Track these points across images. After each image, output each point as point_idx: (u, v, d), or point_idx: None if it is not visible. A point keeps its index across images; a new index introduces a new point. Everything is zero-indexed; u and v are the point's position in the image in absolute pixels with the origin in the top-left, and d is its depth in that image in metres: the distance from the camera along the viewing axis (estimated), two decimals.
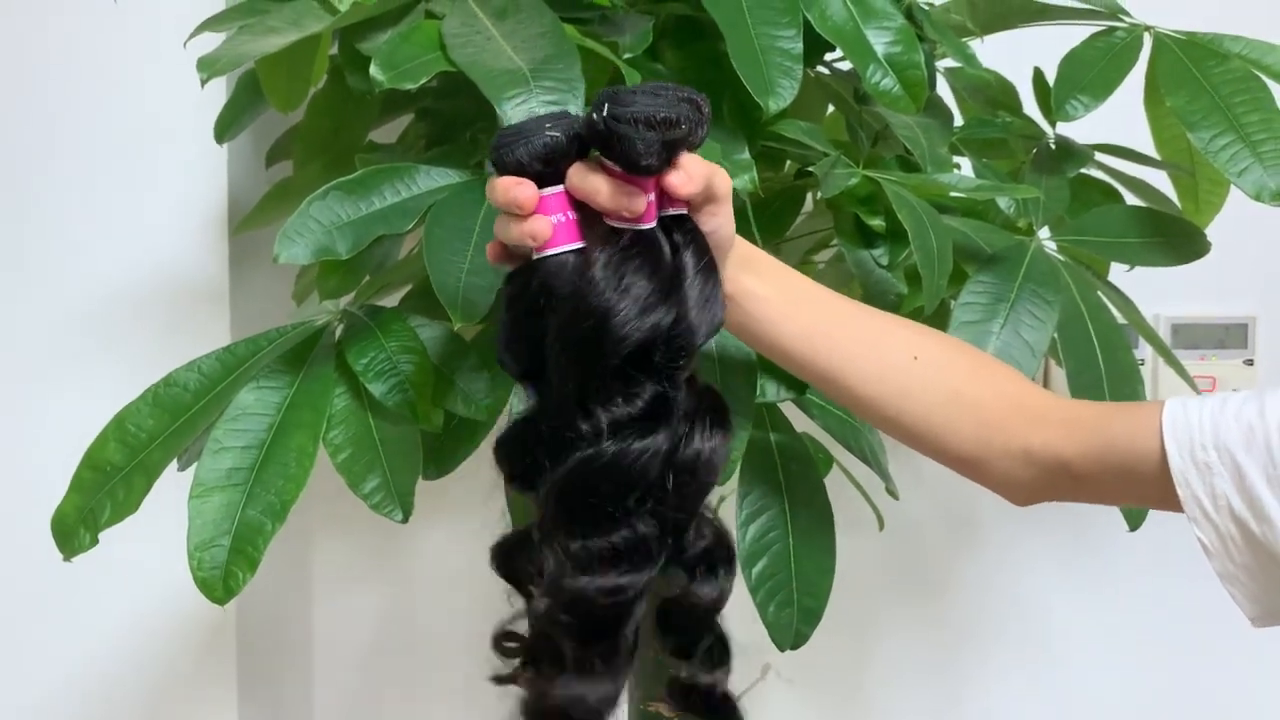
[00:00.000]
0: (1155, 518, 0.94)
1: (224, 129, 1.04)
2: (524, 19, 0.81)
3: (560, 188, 0.59)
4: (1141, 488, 0.68)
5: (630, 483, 0.57)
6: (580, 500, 0.58)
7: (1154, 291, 1.16)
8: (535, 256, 0.59)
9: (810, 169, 0.88)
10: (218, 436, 0.80)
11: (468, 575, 1.42)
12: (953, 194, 0.90)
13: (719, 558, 0.62)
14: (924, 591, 1.46)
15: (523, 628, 0.63)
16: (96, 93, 1.20)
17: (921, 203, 0.84)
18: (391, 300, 0.93)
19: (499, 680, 0.63)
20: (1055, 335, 0.87)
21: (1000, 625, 1.46)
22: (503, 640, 0.64)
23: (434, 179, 0.81)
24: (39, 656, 1.23)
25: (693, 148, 0.59)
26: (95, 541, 0.82)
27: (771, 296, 0.69)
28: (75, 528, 0.82)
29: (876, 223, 0.89)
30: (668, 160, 0.57)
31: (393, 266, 0.96)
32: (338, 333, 0.86)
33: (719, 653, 0.63)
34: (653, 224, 0.59)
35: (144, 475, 0.82)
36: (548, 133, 0.58)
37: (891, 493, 1.00)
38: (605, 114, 0.56)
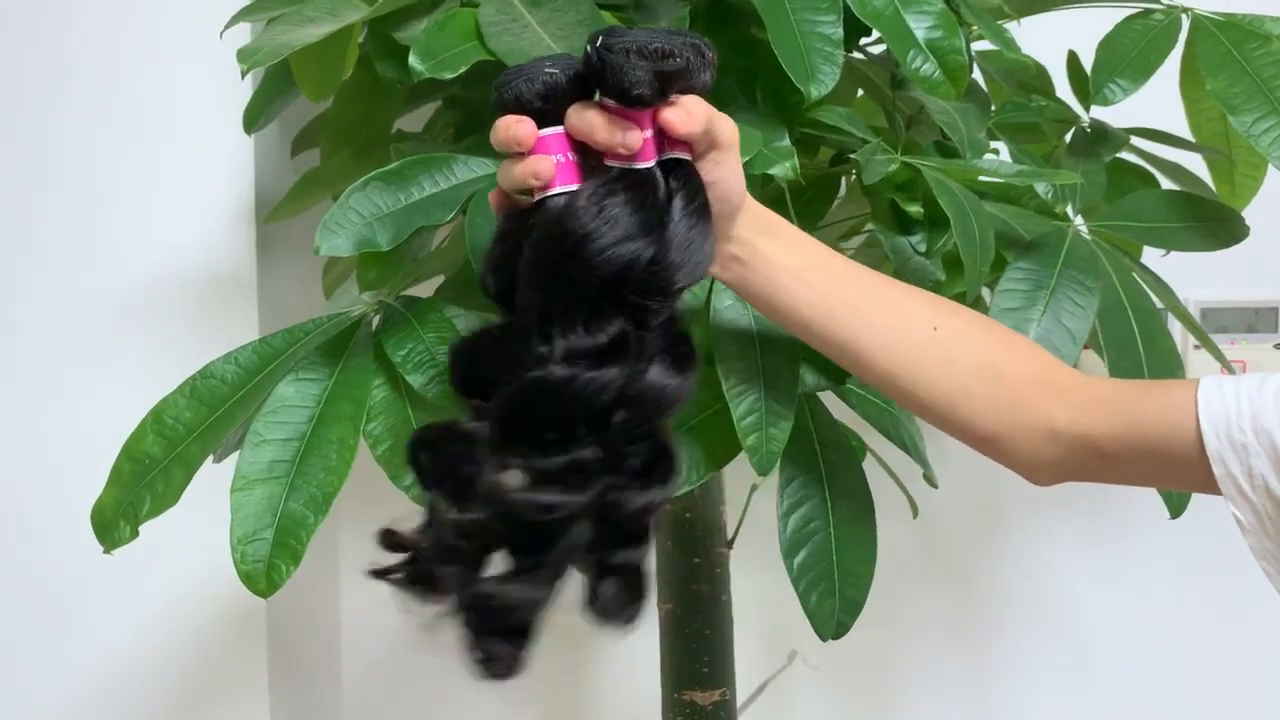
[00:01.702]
0: (1188, 506, 0.94)
1: (253, 119, 1.04)
2: (560, 6, 0.81)
3: (560, 128, 0.58)
4: (1171, 467, 0.68)
5: (573, 411, 0.57)
6: (523, 421, 0.57)
7: (1182, 275, 1.15)
8: (535, 198, 0.59)
9: (849, 155, 0.87)
10: (258, 429, 0.79)
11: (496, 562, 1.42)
12: (991, 179, 0.89)
13: (656, 473, 0.60)
14: (952, 578, 1.45)
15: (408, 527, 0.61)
16: (125, 83, 1.19)
17: (962, 189, 0.84)
18: (421, 290, 0.93)
19: (376, 573, 0.61)
20: (1096, 322, 0.87)
21: (1028, 613, 1.46)
22: (390, 538, 0.62)
23: (472, 169, 0.80)
24: (74, 644, 1.24)
25: (695, 91, 0.58)
26: (136, 534, 0.82)
27: (789, 263, 0.68)
28: (115, 520, 0.82)
29: (914, 209, 0.88)
30: (662, 93, 0.57)
31: (426, 257, 0.96)
32: (375, 324, 0.86)
33: (640, 544, 0.61)
34: (650, 163, 0.59)
35: (183, 468, 0.82)
36: (546, 70, 0.58)
37: (930, 480, 1.00)
38: (599, 45, 0.56)
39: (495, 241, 0.61)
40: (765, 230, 0.67)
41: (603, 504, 0.59)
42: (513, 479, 0.58)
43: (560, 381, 0.56)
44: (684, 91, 0.58)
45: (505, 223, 0.61)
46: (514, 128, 0.58)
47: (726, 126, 0.61)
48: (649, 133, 0.58)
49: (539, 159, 0.58)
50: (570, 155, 0.59)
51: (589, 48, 0.56)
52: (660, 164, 0.59)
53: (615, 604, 0.60)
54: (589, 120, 0.57)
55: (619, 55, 0.55)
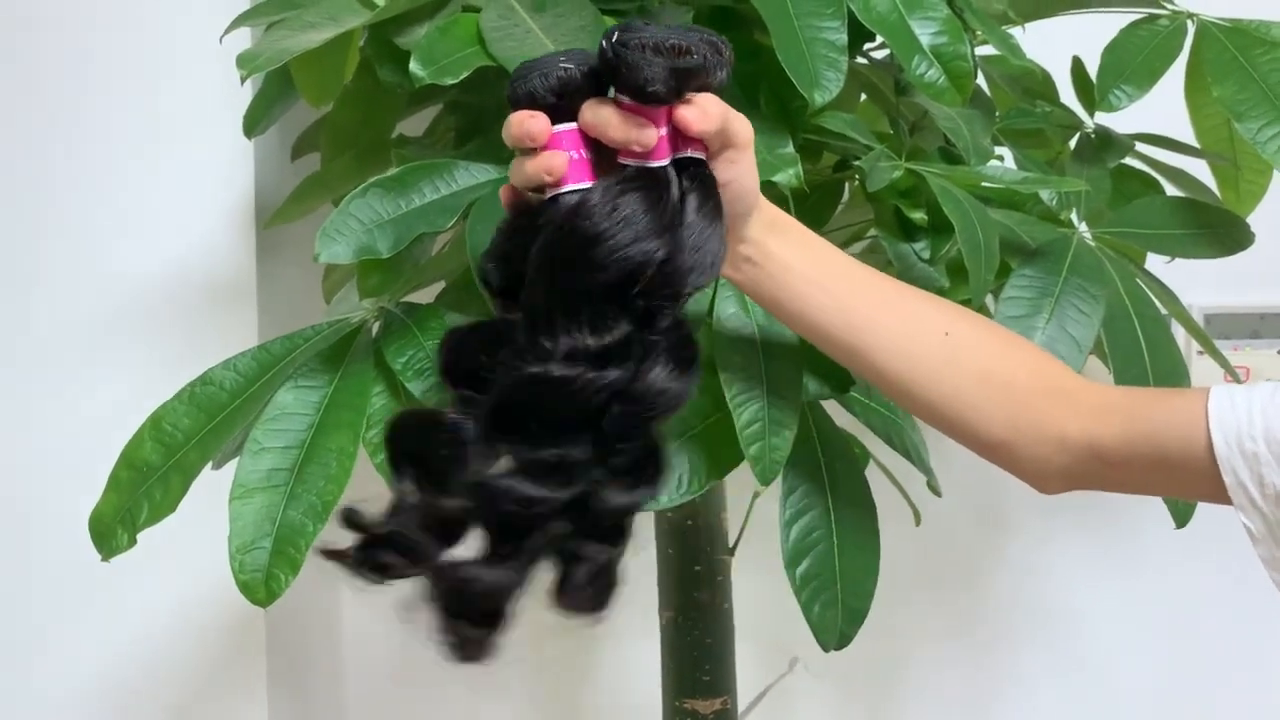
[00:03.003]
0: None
1: (253, 123, 1.03)
2: (563, 12, 0.80)
3: (573, 125, 0.57)
4: (1181, 476, 0.67)
5: (568, 409, 0.56)
6: (515, 413, 0.56)
7: (1187, 281, 1.14)
8: (547, 195, 0.58)
9: (853, 162, 0.87)
10: (257, 437, 0.79)
11: None
12: (995, 185, 0.88)
13: (643, 474, 0.59)
14: (956, 586, 1.45)
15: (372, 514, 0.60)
16: (124, 87, 1.19)
17: (967, 195, 0.83)
18: (421, 296, 0.92)
19: (327, 553, 0.60)
20: (1101, 330, 0.86)
21: (1032, 622, 1.45)
22: (350, 517, 0.60)
23: (473, 175, 0.80)
24: (72, 653, 1.23)
25: (711, 89, 0.57)
26: (134, 542, 0.81)
27: (801, 265, 0.67)
28: (113, 528, 0.81)
29: (918, 216, 0.88)
30: (677, 90, 0.56)
31: (427, 263, 0.95)
32: (374, 330, 0.85)
33: (617, 540, 0.60)
34: (664, 161, 0.58)
35: (181, 475, 0.81)
36: (561, 65, 0.57)
37: (934, 489, 0.99)
38: (614, 40, 0.55)
39: (503, 235, 0.60)
40: (777, 231, 0.66)
41: (585, 497, 0.58)
42: (496, 467, 0.57)
43: (558, 380, 0.56)
44: (700, 89, 0.57)
45: (515, 218, 0.60)
46: (527, 123, 0.57)
47: (742, 126, 0.60)
48: (664, 130, 0.57)
49: (552, 155, 0.57)
50: (583, 152, 0.58)
51: (604, 43, 0.55)
52: (674, 162, 0.58)
53: (583, 596, 0.60)
54: (603, 117, 0.56)
55: (635, 51, 0.54)
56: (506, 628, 0.58)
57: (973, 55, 0.86)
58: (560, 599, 0.60)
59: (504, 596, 0.58)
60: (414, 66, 0.74)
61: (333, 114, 1.02)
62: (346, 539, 0.60)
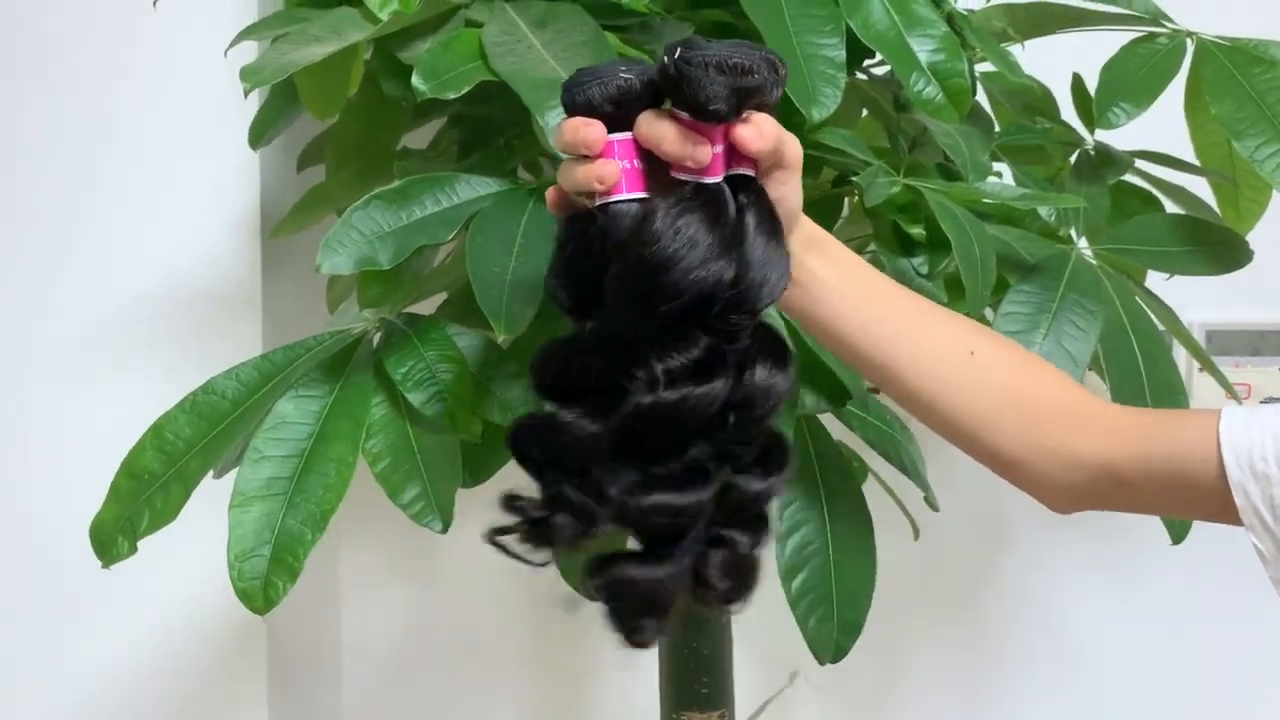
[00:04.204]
0: (1192, 530, 0.93)
1: (258, 135, 1.04)
2: (564, 27, 0.81)
3: (628, 134, 0.57)
4: (1191, 496, 0.67)
5: (688, 427, 0.57)
6: (640, 441, 0.58)
7: (1187, 298, 1.15)
8: (596, 203, 0.58)
9: (852, 177, 0.87)
10: (257, 445, 0.80)
11: (495, 577, 1.42)
12: (994, 202, 0.89)
13: (771, 465, 0.61)
14: (954, 599, 1.45)
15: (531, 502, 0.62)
16: (130, 98, 1.20)
17: (964, 211, 0.84)
18: (422, 307, 0.93)
19: (495, 531, 0.61)
20: (1098, 346, 0.86)
21: (1030, 635, 1.45)
22: (511, 501, 0.62)
23: (474, 188, 0.80)
24: (73, 660, 1.24)
25: (766, 108, 0.58)
26: (134, 549, 0.82)
27: (838, 283, 0.68)
28: (114, 536, 0.82)
29: (916, 231, 0.89)
30: (737, 109, 0.56)
31: (428, 274, 0.96)
32: (375, 341, 0.86)
33: (759, 528, 0.62)
34: (718, 179, 0.58)
35: (182, 484, 0.82)
36: (621, 75, 0.57)
37: (931, 504, 1.00)
38: (677, 57, 0.55)
39: (557, 251, 0.61)
40: (817, 248, 0.67)
41: (722, 490, 0.59)
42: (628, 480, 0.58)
43: (672, 404, 0.57)
44: (757, 108, 0.58)
45: (565, 229, 0.61)
46: (583, 130, 0.57)
47: (794, 147, 0.61)
48: (719, 148, 0.57)
49: (605, 163, 0.57)
50: (636, 162, 0.58)
51: (666, 58, 0.55)
52: (726, 179, 0.58)
53: (728, 587, 0.61)
54: (660, 131, 0.56)
55: (698, 69, 0.54)
56: (674, 611, 0.60)
57: (971, 72, 0.87)
58: (705, 592, 0.61)
59: (665, 591, 0.59)
60: (416, 81, 0.75)
61: (338, 126, 1.03)
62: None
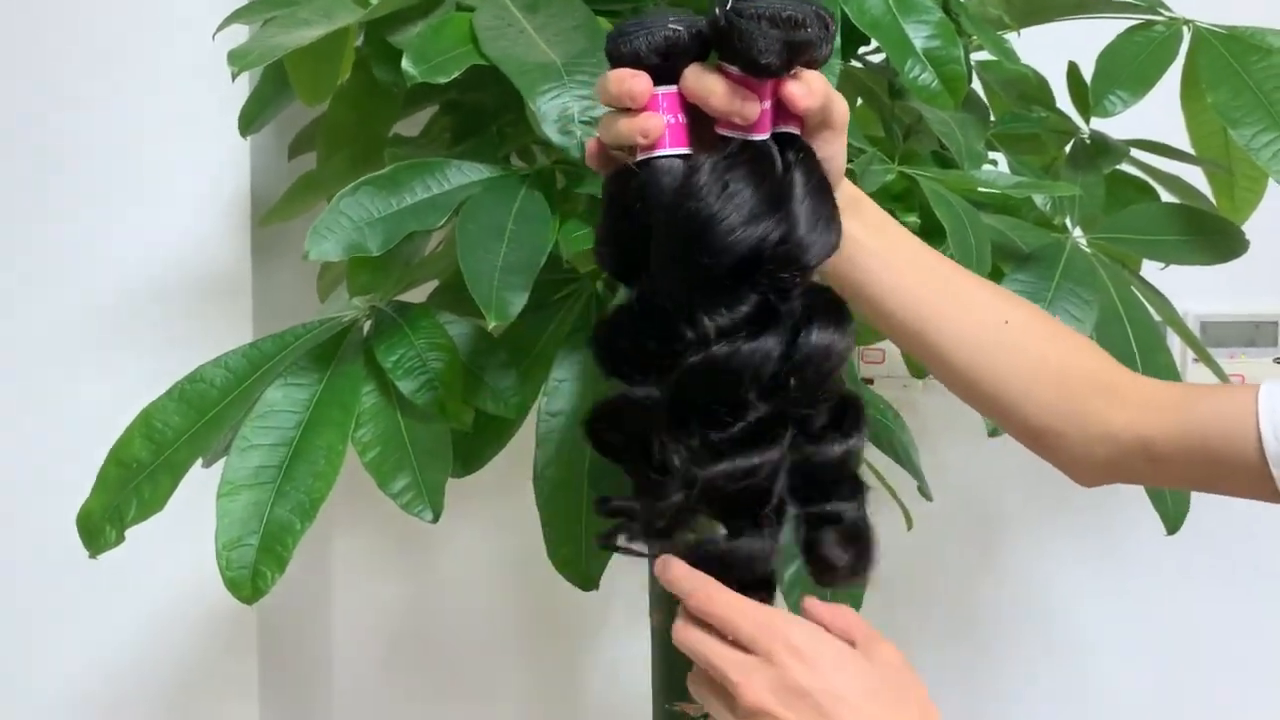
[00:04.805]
0: (1186, 524, 0.93)
1: (249, 121, 1.03)
2: (556, 12, 0.80)
3: (673, 88, 0.56)
4: (1226, 471, 0.67)
5: (745, 382, 0.56)
6: (697, 401, 0.57)
7: (1182, 288, 1.14)
8: (639, 158, 0.57)
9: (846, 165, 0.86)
10: (246, 434, 0.79)
11: (488, 569, 1.42)
12: (989, 190, 0.88)
13: (846, 424, 0.60)
14: (947, 591, 1.44)
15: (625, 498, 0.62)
16: (119, 84, 1.19)
17: (960, 200, 0.83)
18: (413, 295, 0.92)
19: (601, 538, 0.62)
20: (1093, 335, 0.86)
21: (1024, 627, 1.45)
22: (604, 504, 0.62)
23: (465, 174, 0.80)
24: (62, 650, 1.23)
25: (816, 64, 0.56)
26: (122, 539, 0.81)
27: (876, 247, 0.67)
28: (101, 525, 0.81)
29: (911, 219, 0.88)
30: (788, 64, 0.54)
31: (420, 262, 0.95)
32: (366, 329, 0.85)
33: (857, 491, 0.61)
34: (765, 135, 0.56)
35: (170, 473, 0.81)
36: (670, 25, 0.55)
37: (924, 493, 0.99)
38: (729, 8, 0.53)
39: (604, 212, 0.60)
40: (857, 212, 0.66)
41: (804, 460, 0.59)
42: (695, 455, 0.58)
43: (723, 359, 0.56)
44: (808, 65, 0.56)
45: (610, 187, 0.59)
46: (629, 81, 0.55)
47: (841, 107, 0.59)
48: (767, 104, 0.56)
49: (649, 116, 0.55)
50: (680, 117, 0.56)
51: (717, 9, 0.54)
52: (772, 137, 0.57)
53: (836, 559, 0.60)
54: (708, 85, 0.55)
55: (750, 20, 0.53)
56: (776, 587, 0.60)
57: (967, 59, 0.87)
58: (831, 573, 0.60)
59: (765, 562, 0.59)
60: (406, 65, 0.74)
61: (329, 113, 1.02)
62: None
